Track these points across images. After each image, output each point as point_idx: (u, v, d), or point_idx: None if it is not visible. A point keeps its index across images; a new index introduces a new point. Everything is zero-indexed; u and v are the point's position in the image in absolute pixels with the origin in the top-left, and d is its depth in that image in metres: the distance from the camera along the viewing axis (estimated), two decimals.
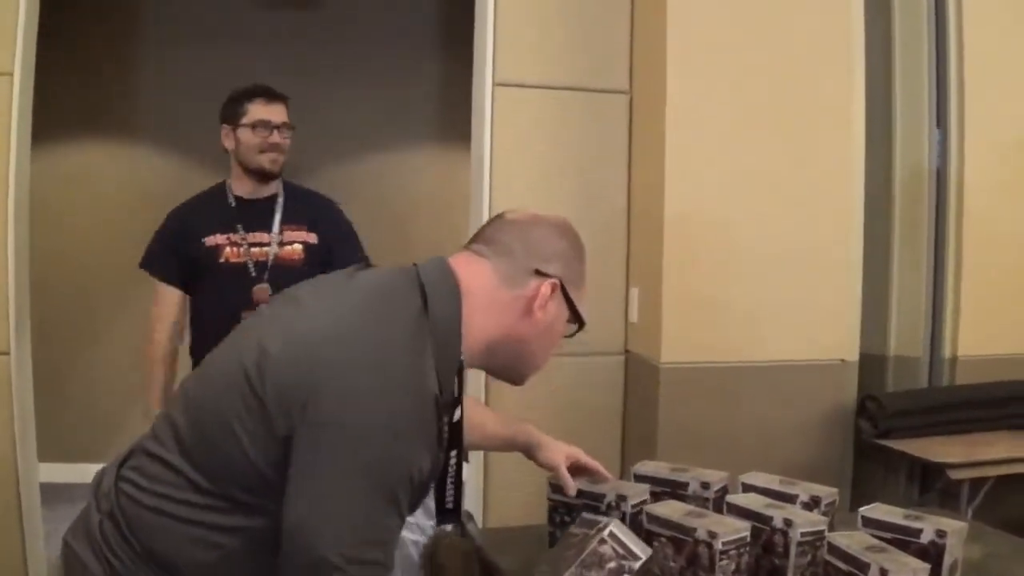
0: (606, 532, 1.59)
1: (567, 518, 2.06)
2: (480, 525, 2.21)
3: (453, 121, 5.44)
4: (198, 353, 3.01)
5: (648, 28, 3.32)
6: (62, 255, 5.34)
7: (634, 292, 3.39)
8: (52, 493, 3.60)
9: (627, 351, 3.43)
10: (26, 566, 3.02)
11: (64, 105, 5.33)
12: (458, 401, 1.56)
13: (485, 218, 3.25)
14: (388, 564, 1.38)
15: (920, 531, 1.84)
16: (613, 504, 2.00)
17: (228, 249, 3.00)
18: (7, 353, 2.97)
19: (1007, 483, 3.17)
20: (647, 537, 1.89)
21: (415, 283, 1.51)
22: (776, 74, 3.23)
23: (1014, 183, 3.50)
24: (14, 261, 2.98)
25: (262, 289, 2.94)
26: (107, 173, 5.57)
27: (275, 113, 3.06)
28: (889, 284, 3.58)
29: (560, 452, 2.05)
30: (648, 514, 1.91)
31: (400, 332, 1.43)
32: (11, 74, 2.97)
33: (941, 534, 1.82)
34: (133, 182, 5.49)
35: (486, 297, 1.56)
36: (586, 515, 1.89)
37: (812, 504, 2.00)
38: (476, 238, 1.65)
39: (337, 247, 3.12)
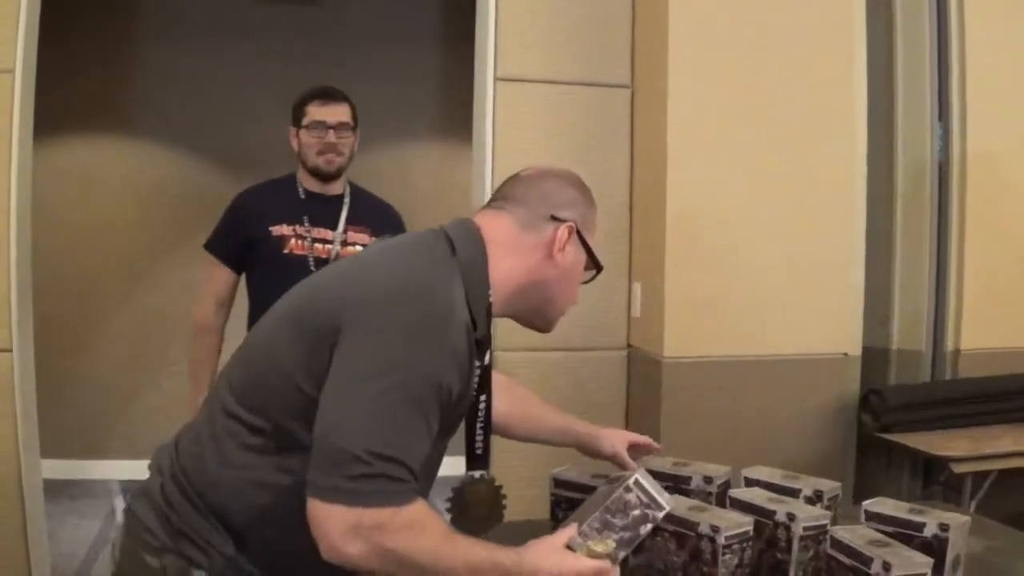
0: (631, 481, 1.63)
1: (570, 512, 2.06)
2: None
3: (454, 116, 5.45)
4: None
5: (650, 22, 3.32)
6: (64, 252, 5.35)
7: (636, 287, 3.39)
8: (54, 489, 3.61)
9: (629, 346, 3.43)
10: (29, 562, 3.02)
11: (66, 102, 5.33)
12: (488, 346, 1.65)
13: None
14: (411, 468, 1.42)
15: (923, 525, 1.84)
16: None
17: (293, 241, 3.01)
18: (9, 350, 2.97)
19: (1010, 477, 3.17)
20: (650, 532, 1.89)
21: (441, 234, 1.65)
22: (778, 68, 3.23)
23: (1016, 177, 3.49)
24: (16, 258, 2.98)
25: None
26: (109, 170, 5.57)
27: (332, 114, 3.07)
28: (891, 278, 3.58)
29: (622, 439, 2.12)
30: None
31: (429, 262, 1.57)
32: (12, 71, 2.97)
33: (944, 528, 1.82)
34: (134, 179, 5.49)
35: (509, 243, 1.67)
36: (615, 474, 1.92)
37: (815, 498, 2.00)
38: (493, 198, 1.80)
39: None
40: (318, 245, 3.02)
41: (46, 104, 3.40)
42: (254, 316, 3.00)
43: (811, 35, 3.25)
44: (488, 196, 3.27)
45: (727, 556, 1.77)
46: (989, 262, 3.46)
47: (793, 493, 1.99)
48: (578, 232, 1.72)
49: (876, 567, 1.65)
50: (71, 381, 5.40)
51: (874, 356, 3.51)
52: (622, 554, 1.61)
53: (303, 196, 3.09)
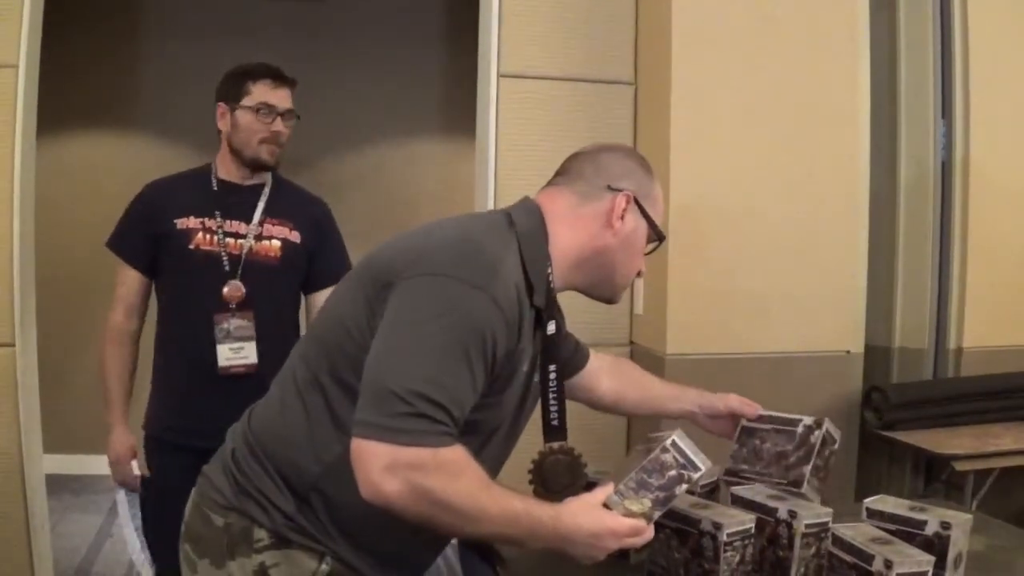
0: (669, 441, 1.64)
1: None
2: None
3: (458, 112, 5.45)
4: (165, 354, 2.77)
5: (653, 18, 3.32)
6: (66, 248, 5.35)
7: (639, 283, 3.39)
8: (57, 484, 3.61)
9: (632, 343, 3.43)
10: (31, 556, 3.03)
11: (68, 98, 5.34)
12: (552, 316, 1.69)
13: (490, 209, 3.26)
14: (452, 413, 1.46)
15: (925, 523, 1.84)
16: None
17: (200, 235, 2.70)
18: (12, 345, 2.98)
19: (1012, 475, 3.17)
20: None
21: (501, 211, 1.73)
22: (781, 65, 3.22)
23: (1019, 175, 3.49)
24: (19, 253, 2.98)
25: (235, 286, 2.69)
26: (111, 166, 5.57)
27: (282, 98, 2.76)
28: (894, 275, 3.58)
29: (733, 398, 2.17)
30: None
31: (485, 228, 1.64)
32: (16, 67, 2.97)
33: (946, 526, 1.82)
34: (138, 175, 5.44)
35: (568, 215, 1.72)
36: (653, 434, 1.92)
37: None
38: (552, 178, 1.83)
39: (321, 252, 2.87)
40: (230, 240, 2.71)
41: (50, 101, 3.41)
42: (164, 321, 2.79)
43: (814, 32, 3.25)
44: (492, 192, 3.30)
45: (729, 553, 1.77)
46: (992, 260, 3.46)
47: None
48: (637, 202, 1.75)
49: (878, 565, 1.65)
50: (73, 376, 5.41)
51: (877, 354, 3.51)
52: (657, 514, 1.63)
53: (216, 187, 2.77)
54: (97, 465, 5.70)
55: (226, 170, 2.79)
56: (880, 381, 3.45)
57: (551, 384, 1.72)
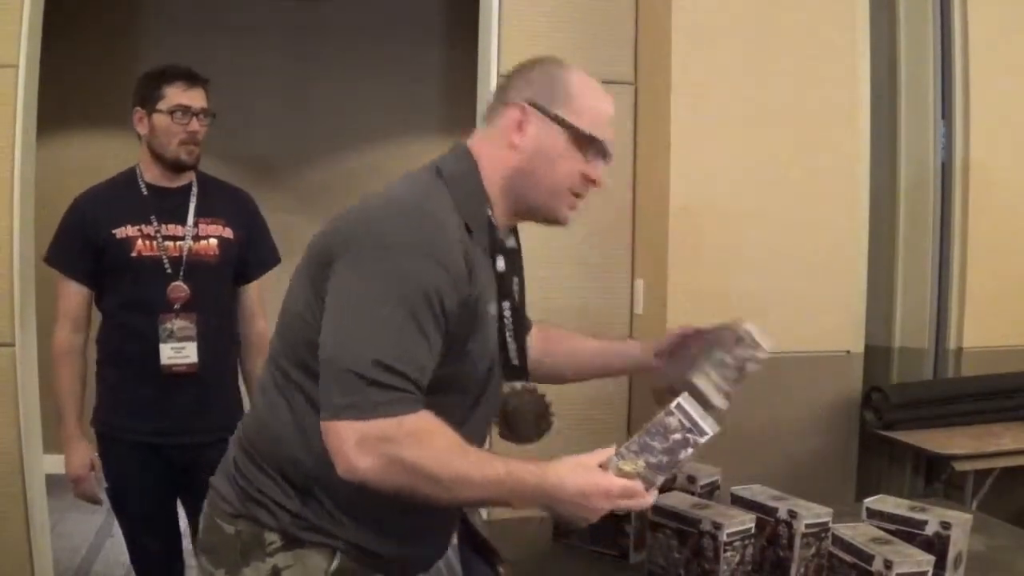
0: (674, 404, 1.58)
1: None
2: (485, 516, 2.21)
3: (457, 112, 5.45)
4: (109, 353, 2.80)
5: (653, 19, 3.32)
6: None
7: (639, 284, 3.39)
8: (57, 484, 3.60)
9: None
10: (31, 556, 3.03)
11: (68, 98, 5.34)
12: (500, 253, 1.67)
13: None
14: (411, 378, 1.45)
15: (925, 523, 1.84)
16: None
17: (140, 242, 2.71)
18: (12, 345, 2.98)
19: (1012, 475, 3.17)
20: (652, 528, 1.89)
21: (431, 163, 1.71)
22: (781, 66, 3.22)
23: (1019, 175, 3.49)
24: (19, 253, 2.98)
25: (178, 287, 2.71)
26: (112, 166, 5.52)
27: (196, 98, 2.76)
28: (894, 276, 3.58)
29: (662, 338, 2.06)
30: (653, 505, 1.90)
31: (411, 187, 1.63)
32: (16, 66, 2.97)
33: (946, 526, 1.82)
34: None
35: (484, 146, 1.69)
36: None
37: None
38: None
39: (252, 243, 2.91)
40: (169, 243, 2.73)
41: (49, 100, 3.40)
42: (107, 331, 2.80)
43: (815, 32, 3.25)
44: None
45: (729, 553, 1.77)
46: (992, 260, 3.46)
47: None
48: (541, 108, 1.65)
49: (878, 565, 1.65)
50: None
51: (877, 354, 3.51)
52: (660, 479, 1.57)
53: (146, 192, 2.79)
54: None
55: (151, 174, 2.82)
56: (880, 381, 3.45)
57: (506, 321, 1.68)
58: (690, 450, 1.58)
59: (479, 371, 1.63)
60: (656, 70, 3.28)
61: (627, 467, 1.53)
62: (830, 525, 1.82)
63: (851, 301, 3.34)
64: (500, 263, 1.66)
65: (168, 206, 2.78)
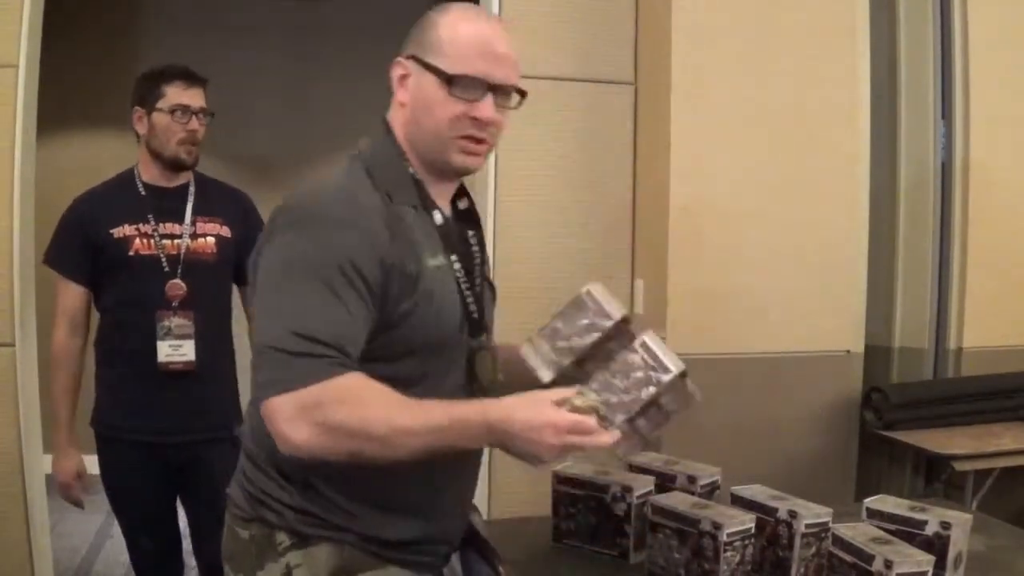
0: (638, 342, 1.55)
1: (572, 509, 2.07)
2: (485, 516, 2.22)
3: None
4: (106, 352, 2.81)
5: (653, 19, 3.32)
6: None
7: (639, 284, 3.39)
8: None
9: None
10: (31, 557, 3.03)
11: (68, 98, 5.33)
12: (434, 208, 1.66)
13: (490, 209, 3.26)
14: (334, 344, 1.46)
15: (925, 523, 1.84)
16: (618, 495, 2.00)
17: (138, 241, 2.72)
18: (12, 345, 2.98)
19: (1012, 475, 3.17)
20: (652, 528, 1.89)
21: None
22: (781, 65, 3.22)
23: (1019, 175, 3.49)
24: (19, 253, 2.98)
25: (176, 285, 2.71)
26: (112, 166, 5.52)
27: (195, 97, 2.78)
28: (894, 276, 3.58)
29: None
30: (653, 505, 1.91)
31: (327, 175, 1.67)
32: (16, 66, 2.97)
33: (946, 526, 1.82)
34: None
35: (391, 113, 1.70)
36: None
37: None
38: None
39: (251, 242, 2.92)
40: (166, 242, 2.74)
41: (50, 100, 3.40)
42: (105, 330, 2.81)
43: (815, 32, 3.25)
44: (492, 192, 3.30)
45: (729, 553, 1.77)
46: (992, 260, 3.46)
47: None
48: (419, 60, 1.64)
49: (878, 564, 1.65)
50: None
51: (877, 354, 3.51)
52: (620, 418, 1.52)
53: (143, 192, 2.80)
54: (97, 466, 5.69)
55: (149, 174, 2.84)
56: (880, 381, 3.45)
57: (457, 275, 1.66)
58: (652, 388, 1.53)
59: (443, 329, 1.61)
60: (656, 70, 3.28)
61: (579, 402, 1.47)
62: (830, 525, 1.82)
63: (851, 301, 3.34)
64: (437, 216, 1.66)
65: (166, 205, 2.79)
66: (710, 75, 3.18)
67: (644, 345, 1.54)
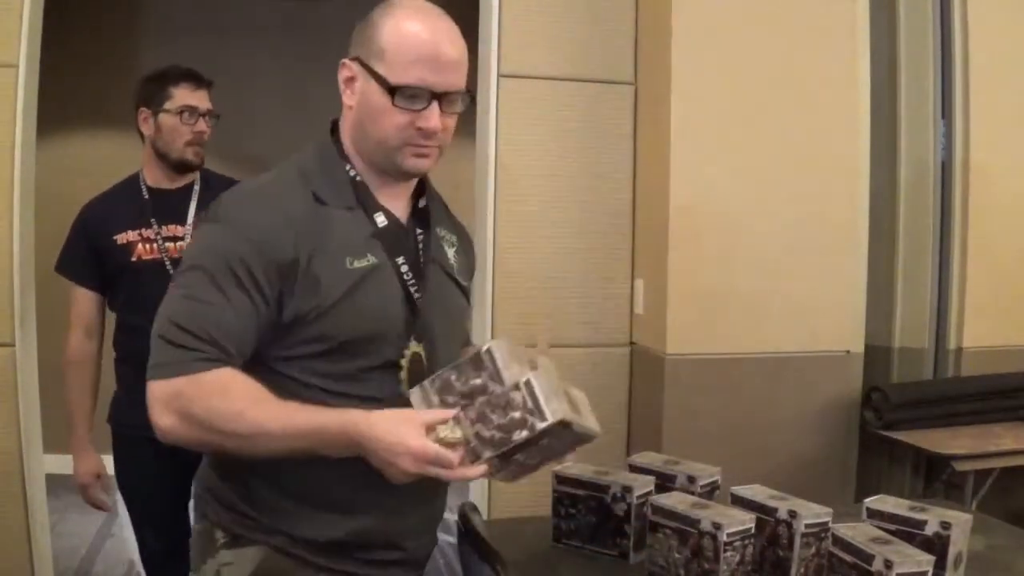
0: (523, 380, 1.46)
1: (572, 509, 2.07)
2: (485, 516, 2.22)
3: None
4: (123, 353, 2.82)
5: (653, 19, 3.32)
6: None
7: (639, 284, 3.39)
8: (58, 484, 3.61)
9: (632, 343, 3.43)
10: (31, 556, 3.03)
11: (70, 97, 5.33)
12: (377, 210, 1.66)
13: (490, 210, 3.26)
14: (212, 339, 1.50)
15: (925, 523, 1.84)
16: (618, 495, 2.00)
17: (140, 246, 2.76)
18: (12, 345, 2.98)
19: (1012, 475, 3.17)
20: (652, 528, 1.89)
21: None
22: (781, 66, 3.22)
23: (1019, 175, 3.49)
24: (19, 253, 2.98)
25: None
26: (112, 165, 5.50)
27: (202, 99, 2.81)
28: (894, 275, 3.57)
29: None
30: (653, 505, 1.91)
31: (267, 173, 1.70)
32: (16, 66, 2.97)
33: (946, 526, 1.82)
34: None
35: (342, 111, 1.70)
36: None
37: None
38: None
39: None
40: (169, 244, 2.76)
41: (50, 100, 3.40)
42: (120, 339, 2.83)
43: (815, 31, 3.25)
44: (492, 192, 3.30)
45: (729, 553, 1.77)
46: (992, 260, 3.46)
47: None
48: (362, 63, 1.62)
49: (878, 564, 1.65)
50: None
51: (876, 354, 3.51)
52: (488, 454, 1.45)
53: (147, 195, 2.83)
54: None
55: (153, 177, 2.86)
56: (880, 381, 3.44)
57: (405, 277, 1.65)
58: (525, 432, 1.45)
59: (367, 329, 1.59)
60: (656, 71, 3.28)
61: (446, 434, 1.43)
62: (830, 525, 1.82)
63: (851, 301, 3.34)
64: (380, 218, 1.65)
65: (169, 207, 2.80)
66: (710, 76, 3.18)
67: (528, 385, 1.46)
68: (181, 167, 2.82)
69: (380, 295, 1.61)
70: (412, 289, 1.65)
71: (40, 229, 3.14)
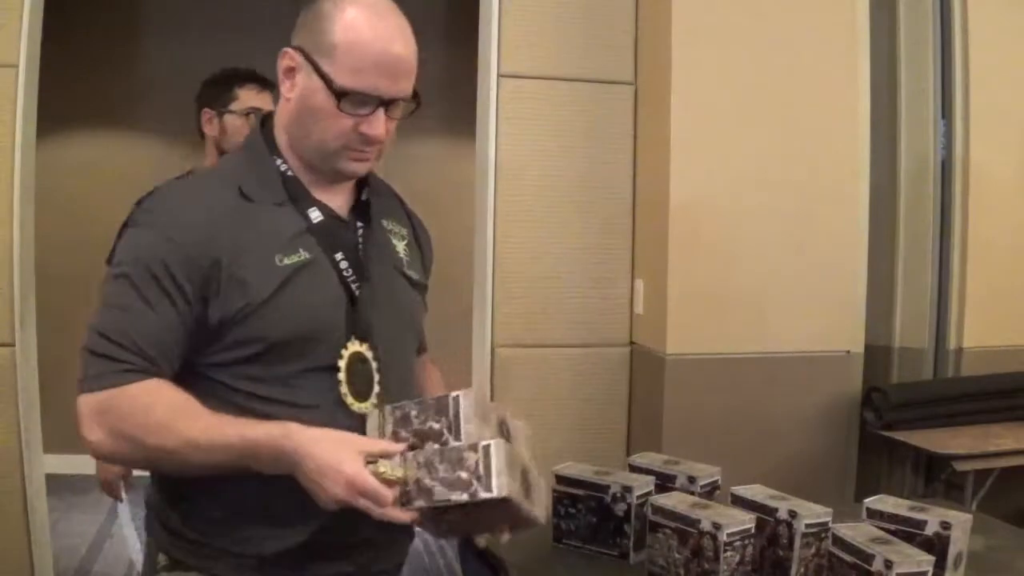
0: (483, 443, 1.37)
1: (572, 510, 2.07)
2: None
3: (458, 113, 5.43)
4: None
5: (653, 19, 3.32)
6: (67, 246, 5.34)
7: (639, 284, 3.39)
8: (58, 484, 3.61)
9: (632, 343, 3.43)
10: (31, 556, 3.03)
11: (70, 97, 5.33)
12: (312, 205, 1.56)
13: (490, 210, 3.26)
14: (138, 350, 1.43)
15: (925, 523, 1.84)
16: (618, 495, 2.00)
17: None
18: (12, 344, 2.98)
19: (1012, 475, 3.17)
20: (652, 528, 1.89)
21: None
22: (781, 64, 3.22)
23: (1019, 173, 3.49)
24: (19, 252, 2.98)
25: None
26: (112, 165, 5.56)
27: (266, 101, 2.78)
28: (894, 275, 3.58)
29: None
30: (653, 505, 1.91)
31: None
32: (16, 66, 2.97)
33: (946, 526, 1.82)
34: (138, 174, 5.44)
35: (279, 109, 1.60)
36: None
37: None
38: None
39: None
40: None
41: (51, 100, 3.40)
42: None
43: (815, 31, 3.25)
44: (492, 192, 3.30)
45: (729, 553, 1.77)
46: (992, 260, 3.46)
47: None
48: (307, 56, 1.50)
49: (878, 564, 1.65)
50: (74, 375, 5.38)
51: (876, 354, 3.51)
52: (420, 503, 1.38)
53: None
54: (97, 465, 5.69)
55: None
56: (880, 381, 3.44)
57: (345, 274, 1.55)
58: (465, 496, 1.36)
59: (311, 328, 1.50)
60: (656, 71, 3.28)
61: (386, 468, 1.36)
62: (830, 525, 1.82)
63: (851, 301, 3.34)
64: (314, 214, 1.55)
65: None
66: (710, 76, 3.18)
67: (486, 450, 1.37)
68: None
69: (314, 292, 1.52)
70: (353, 285, 1.55)
71: (40, 229, 3.14)
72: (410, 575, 2.02)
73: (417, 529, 1.52)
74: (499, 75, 3.30)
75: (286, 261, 1.49)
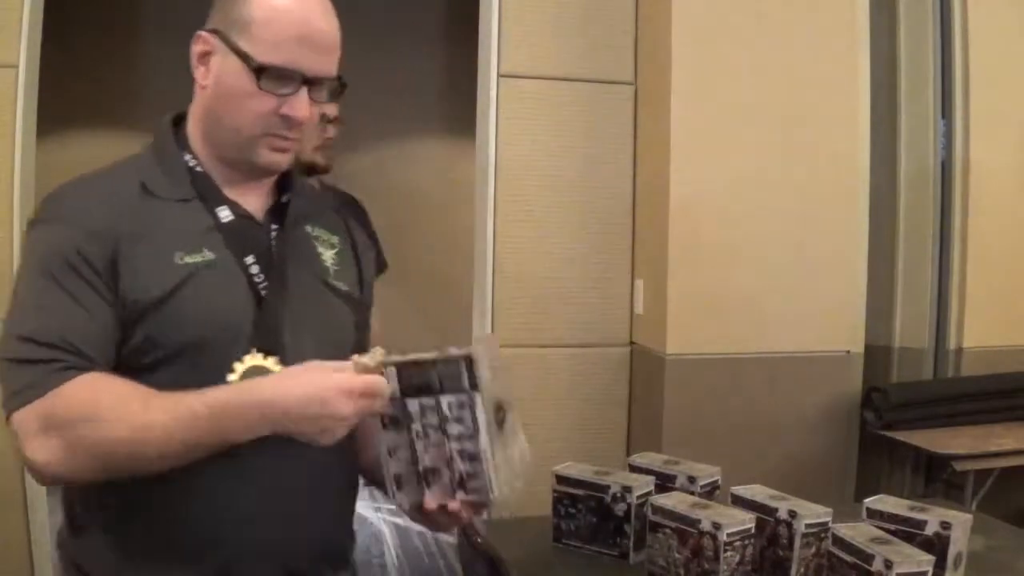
0: (466, 351, 1.31)
1: (572, 509, 2.07)
2: (485, 516, 2.21)
3: (458, 112, 5.44)
4: None
5: (653, 19, 3.32)
6: None
7: (639, 284, 3.39)
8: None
9: (632, 343, 3.43)
10: (31, 555, 3.03)
11: (71, 98, 5.33)
12: (221, 203, 1.46)
13: (490, 210, 3.26)
14: (67, 346, 1.30)
15: (925, 523, 1.84)
16: (618, 495, 2.00)
17: None
18: None
19: (1012, 475, 3.17)
20: (652, 528, 1.89)
21: None
22: (781, 65, 3.22)
23: (1019, 174, 3.49)
24: (19, 253, 2.98)
25: None
26: None
27: (330, 106, 2.94)
28: (894, 275, 3.58)
29: None
30: (653, 505, 1.91)
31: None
32: (16, 66, 2.97)
33: (946, 526, 1.82)
34: None
35: (194, 100, 1.50)
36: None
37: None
38: None
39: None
40: None
41: (52, 100, 3.40)
42: None
43: (815, 32, 3.25)
44: (492, 192, 3.31)
45: (729, 553, 1.77)
46: (992, 260, 3.46)
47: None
48: (222, 36, 1.41)
49: (878, 564, 1.65)
50: None
51: (876, 354, 3.51)
52: (395, 358, 1.32)
53: None
54: None
55: None
56: (880, 381, 3.45)
57: (256, 279, 1.43)
58: (435, 352, 1.32)
59: (206, 334, 1.38)
60: (656, 71, 3.28)
61: (365, 359, 1.30)
62: (830, 525, 1.82)
63: (851, 301, 3.34)
64: (223, 213, 1.45)
65: None
66: (710, 75, 3.18)
67: (469, 358, 1.31)
68: (309, 170, 2.88)
69: (215, 295, 1.40)
70: (263, 292, 1.43)
71: None
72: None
73: (417, 529, 1.50)
74: (499, 75, 3.30)
75: (187, 259, 1.39)
